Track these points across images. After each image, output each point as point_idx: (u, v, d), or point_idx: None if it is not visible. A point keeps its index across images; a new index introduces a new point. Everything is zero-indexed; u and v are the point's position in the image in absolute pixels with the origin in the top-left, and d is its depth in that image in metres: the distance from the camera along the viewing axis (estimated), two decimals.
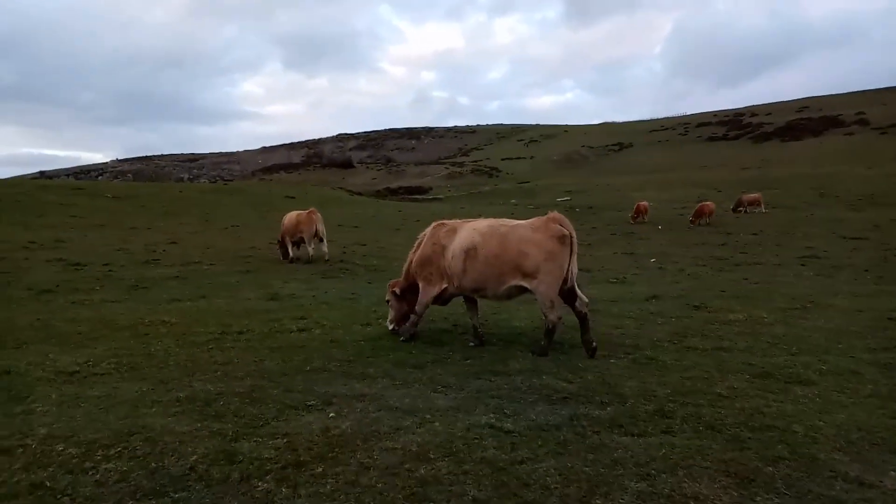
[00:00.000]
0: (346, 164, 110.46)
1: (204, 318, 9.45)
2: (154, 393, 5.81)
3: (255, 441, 4.69)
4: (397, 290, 8.43)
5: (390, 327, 8.48)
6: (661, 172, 79.29)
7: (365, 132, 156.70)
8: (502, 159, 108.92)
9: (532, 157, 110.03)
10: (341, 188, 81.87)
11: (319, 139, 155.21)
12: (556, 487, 3.96)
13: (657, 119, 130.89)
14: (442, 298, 8.27)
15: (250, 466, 4.27)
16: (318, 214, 18.67)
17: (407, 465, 4.27)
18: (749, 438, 4.70)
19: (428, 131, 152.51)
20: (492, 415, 5.20)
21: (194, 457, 4.42)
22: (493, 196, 67.06)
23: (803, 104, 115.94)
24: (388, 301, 8.58)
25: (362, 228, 31.08)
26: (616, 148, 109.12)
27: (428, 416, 5.17)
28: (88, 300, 11.05)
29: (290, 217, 18.88)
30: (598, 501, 3.81)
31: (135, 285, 12.91)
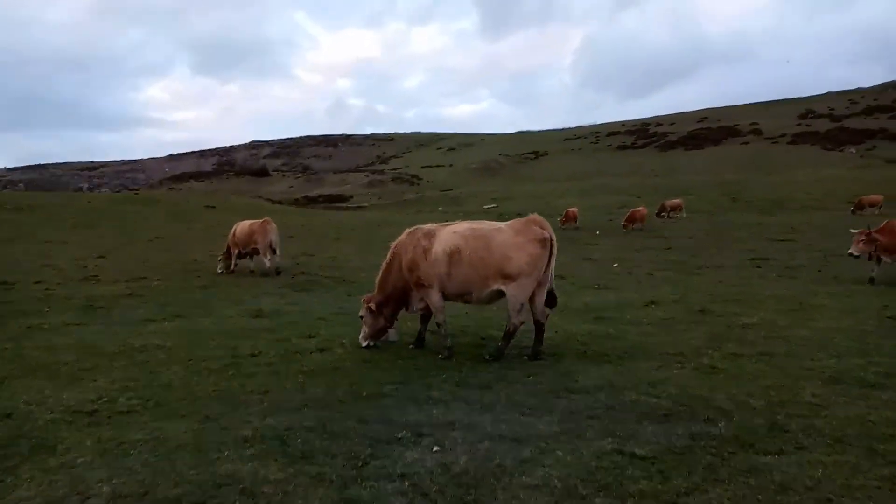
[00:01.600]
0: (262, 173, 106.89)
1: (200, 340, 8.50)
2: (209, 433, 5.00)
3: (370, 487, 4.05)
4: (373, 306, 8.00)
5: (364, 343, 8.02)
6: (577, 180, 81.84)
7: (280, 139, 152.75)
8: (422, 167, 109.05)
9: (451, 165, 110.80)
10: (259, 197, 79.10)
11: (232, 147, 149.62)
12: None
13: (570, 128, 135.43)
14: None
15: None
16: (273, 224, 17.64)
17: None
18: (886, 450, 4.54)
19: (345, 139, 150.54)
20: (609, 439, 4.79)
21: None
22: (419, 204, 66.83)
23: (703, 115, 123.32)
24: (361, 316, 8.08)
25: (298, 238, 29.85)
26: (532, 156, 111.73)
27: (543, 444, 4.69)
28: (47, 324, 9.72)
29: (243, 227, 17.70)
30: None
31: (88, 305, 11.58)
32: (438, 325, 7.76)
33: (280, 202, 71.56)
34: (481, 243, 7.37)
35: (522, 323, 7.46)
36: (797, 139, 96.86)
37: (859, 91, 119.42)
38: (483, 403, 5.71)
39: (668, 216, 40.83)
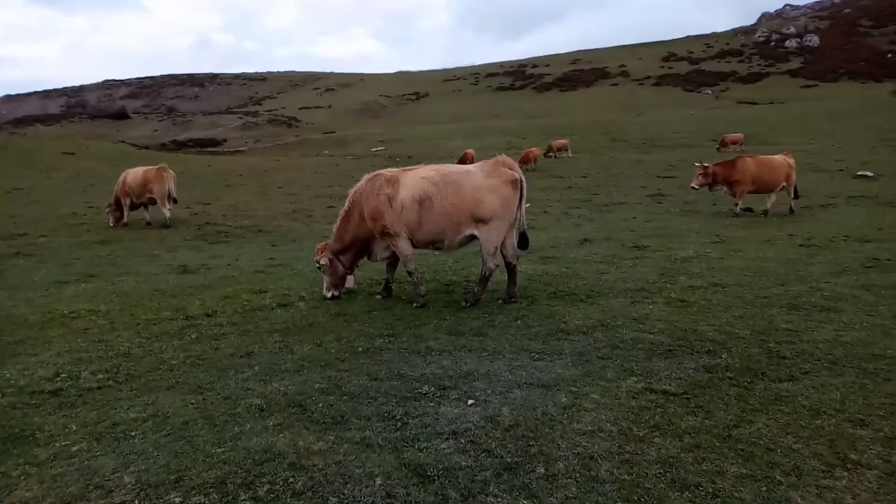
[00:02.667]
0: (120, 115, 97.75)
1: (137, 302, 7.67)
2: (212, 404, 4.49)
3: (425, 448, 3.81)
4: (329, 255, 7.58)
5: (328, 295, 7.64)
6: (461, 121, 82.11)
7: (138, 78, 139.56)
8: (300, 108, 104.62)
9: (330, 107, 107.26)
10: (123, 142, 72.46)
11: (82, 86, 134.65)
12: (801, 447, 3.76)
13: (449, 69, 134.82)
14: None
15: (456, 480, 3.47)
16: (171, 171, 16.16)
17: (629, 448, 3.77)
18: (877, 369, 4.93)
19: (213, 78, 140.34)
20: (633, 378, 4.83)
21: (378, 479, 3.48)
22: (302, 147, 64.30)
23: (576, 57, 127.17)
24: (319, 267, 7.67)
25: (182, 186, 27.79)
26: (413, 97, 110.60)
27: (574, 389, 4.64)
28: None
29: (135, 175, 16.06)
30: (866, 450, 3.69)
31: None
32: (410, 273, 7.44)
33: (147, 147, 65.99)
34: (452, 188, 7.08)
35: (497, 266, 7.34)
36: (661, 81, 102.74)
37: (713, 35, 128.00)
38: (488, 351, 5.56)
39: (556, 156, 42.11)
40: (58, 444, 3.94)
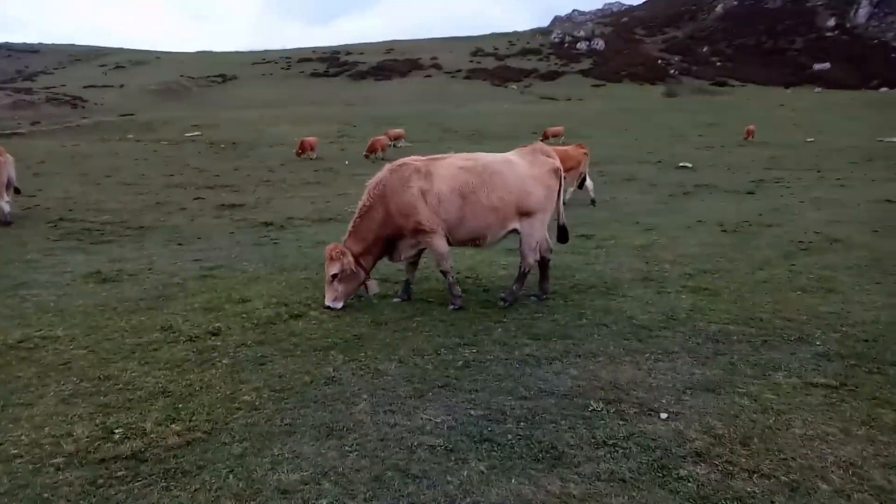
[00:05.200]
0: None
1: (95, 323, 6.00)
2: (377, 451, 3.57)
3: (682, 476, 3.35)
4: (351, 259, 6.33)
5: (338, 305, 6.44)
6: (277, 107, 78.35)
7: None
8: (85, 87, 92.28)
9: (122, 86, 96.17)
10: None
11: None
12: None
13: (258, 52, 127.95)
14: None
15: None
16: (9, 156, 13.18)
17: (869, 451, 3.67)
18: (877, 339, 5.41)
19: None
20: (781, 373, 4.71)
21: None
22: (98, 131, 56.75)
23: (389, 47, 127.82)
24: (336, 275, 6.33)
25: None
26: (219, 79, 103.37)
27: (740, 390, 4.42)
28: None
29: None
30: None
31: None
32: (445, 273, 6.69)
33: None
34: (498, 179, 6.46)
35: (536, 261, 6.90)
36: (471, 75, 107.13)
37: (516, 34, 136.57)
38: (595, 354, 5.14)
39: (394, 145, 42.01)
40: (215, 484, 2.84)
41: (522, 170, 6.66)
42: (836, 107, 60.75)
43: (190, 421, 3.95)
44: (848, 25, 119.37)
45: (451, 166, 6.52)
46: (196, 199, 17.18)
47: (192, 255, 9.67)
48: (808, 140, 38.10)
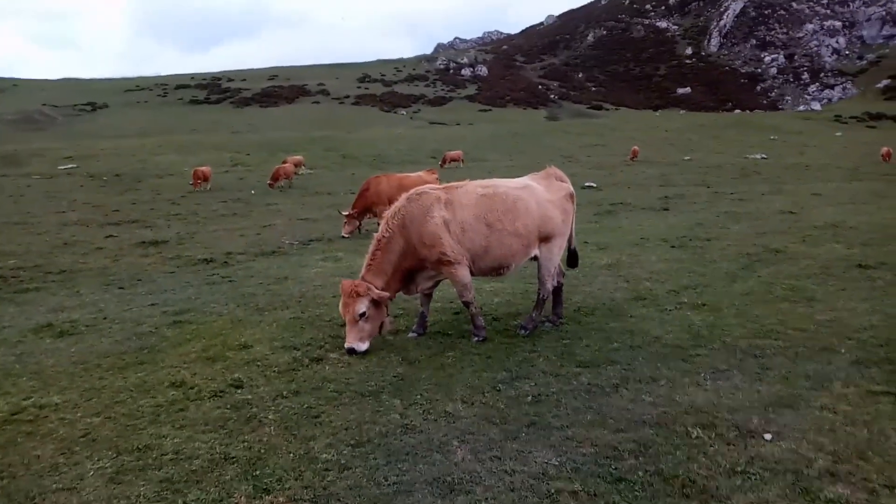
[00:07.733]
0: None
1: (88, 385, 5.25)
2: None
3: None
4: (375, 294, 5.94)
5: (362, 347, 5.97)
6: (155, 135, 73.92)
7: None
8: None
9: None
10: None
11: None
12: None
13: (130, 78, 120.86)
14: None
15: None
16: None
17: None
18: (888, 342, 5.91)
19: None
20: (838, 384, 4.94)
21: None
22: None
23: (273, 73, 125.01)
24: (364, 313, 5.88)
25: None
26: (89, 108, 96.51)
27: (826, 403, 4.59)
28: None
29: None
30: None
31: None
32: (467, 304, 6.45)
33: None
34: (521, 205, 6.37)
35: (552, 287, 6.86)
36: (360, 100, 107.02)
37: (402, 61, 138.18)
38: (653, 377, 5.13)
39: (297, 173, 41.04)
40: None
41: (541, 195, 6.65)
42: (701, 128, 66.44)
43: (285, 490, 3.52)
44: (703, 53, 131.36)
45: (472, 194, 6.38)
46: (108, 236, 15.78)
47: (142, 299, 8.80)
48: (686, 158, 41.32)
